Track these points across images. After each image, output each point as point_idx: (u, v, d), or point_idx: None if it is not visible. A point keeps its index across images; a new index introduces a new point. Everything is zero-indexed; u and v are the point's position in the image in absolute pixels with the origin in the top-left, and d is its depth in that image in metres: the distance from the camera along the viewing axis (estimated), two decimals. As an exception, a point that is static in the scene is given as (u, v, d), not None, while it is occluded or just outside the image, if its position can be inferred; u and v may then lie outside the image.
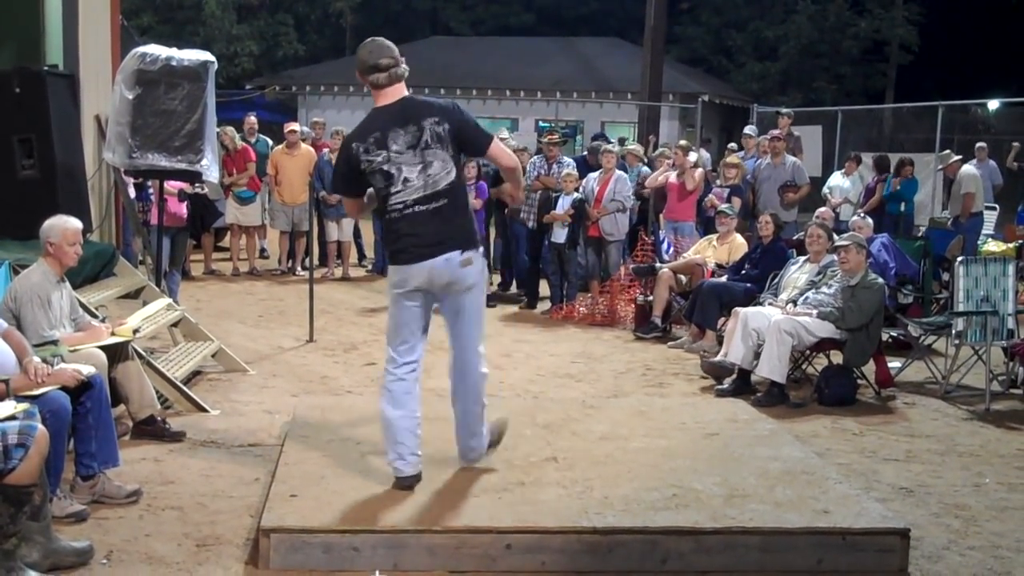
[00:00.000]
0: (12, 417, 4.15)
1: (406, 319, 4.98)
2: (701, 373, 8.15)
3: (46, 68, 7.65)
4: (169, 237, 9.24)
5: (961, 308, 7.88)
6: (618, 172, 11.17)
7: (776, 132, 12.98)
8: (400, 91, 4.92)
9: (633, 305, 10.33)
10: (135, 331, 6.11)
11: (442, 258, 4.86)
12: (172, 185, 9.18)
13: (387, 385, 4.97)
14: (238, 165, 12.94)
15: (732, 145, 15.14)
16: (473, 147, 5.02)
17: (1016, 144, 15.06)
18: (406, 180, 4.84)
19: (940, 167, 13.89)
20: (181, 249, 10.33)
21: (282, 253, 13.28)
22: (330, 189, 12.32)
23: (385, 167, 4.84)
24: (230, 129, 13.11)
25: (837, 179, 14.11)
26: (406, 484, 4.89)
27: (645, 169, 13.03)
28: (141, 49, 7.57)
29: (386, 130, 4.84)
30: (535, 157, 11.94)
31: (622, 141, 17.12)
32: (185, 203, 9.98)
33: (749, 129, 13.48)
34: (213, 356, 7.84)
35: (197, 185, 9.51)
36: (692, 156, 11.85)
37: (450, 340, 5.10)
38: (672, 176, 11.60)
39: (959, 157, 13.43)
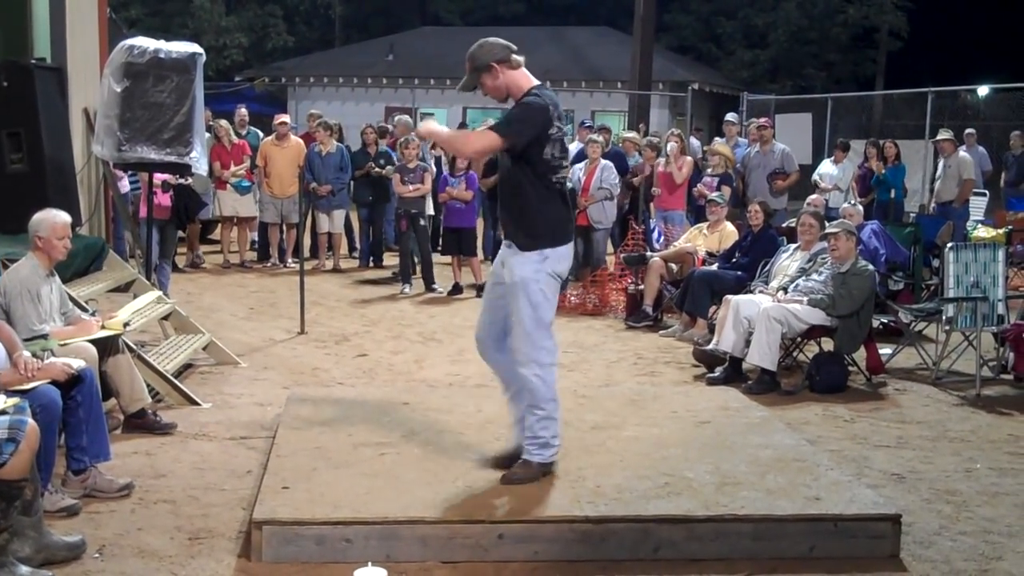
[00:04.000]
0: (2, 412, 4.14)
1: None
2: (692, 361, 8.16)
3: (34, 61, 7.62)
4: (157, 229, 9.21)
5: (951, 294, 7.89)
6: (603, 161, 11.20)
7: (762, 120, 12.96)
8: None
9: (624, 294, 10.34)
10: (125, 324, 6.10)
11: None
12: (156, 177, 9.14)
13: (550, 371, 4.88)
14: (235, 158, 12.87)
15: (719, 139, 15.13)
16: None
17: None
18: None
19: (936, 139, 13.83)
20: (171, 241, 10.30)
21: (272, 246, 13.17)
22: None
23: (563, 139, 4.88)
24: (224, 122, 13.03)
25: (827, 167, 14.09)
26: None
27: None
28: (129, 41, 7.55)
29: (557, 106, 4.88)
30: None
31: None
32: (169, 194, 9.92)
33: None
34: (204, 349, 7.83)
35: (180, 176, 9.46)
36: (667, 151, 11.95)
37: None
38: (661, 165, 11.61)
39: (948, 135, 13.37)
